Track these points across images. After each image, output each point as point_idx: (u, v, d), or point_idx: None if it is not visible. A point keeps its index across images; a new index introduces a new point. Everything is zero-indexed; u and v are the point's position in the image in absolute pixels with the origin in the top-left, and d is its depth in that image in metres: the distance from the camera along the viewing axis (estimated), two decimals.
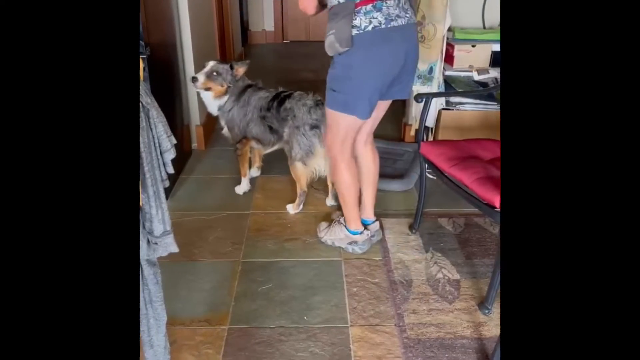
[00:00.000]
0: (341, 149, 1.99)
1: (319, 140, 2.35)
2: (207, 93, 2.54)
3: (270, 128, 2.48)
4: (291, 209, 2.53)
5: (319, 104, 2.38)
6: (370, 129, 2.13)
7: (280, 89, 2.54)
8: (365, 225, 2.25)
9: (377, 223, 2.30)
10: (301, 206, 2.54)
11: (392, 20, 1.75)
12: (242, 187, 2.70)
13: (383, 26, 1.73)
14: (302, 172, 2.45)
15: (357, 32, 1.74)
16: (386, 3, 1.75)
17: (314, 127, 2.35)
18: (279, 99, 2.45)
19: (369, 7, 1.73)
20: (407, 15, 1.81)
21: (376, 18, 1.73)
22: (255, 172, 2.86)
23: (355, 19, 1.74)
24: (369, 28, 1.73)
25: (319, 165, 2.45)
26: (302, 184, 2.49)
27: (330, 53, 1.81)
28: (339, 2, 1.75)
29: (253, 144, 2.62)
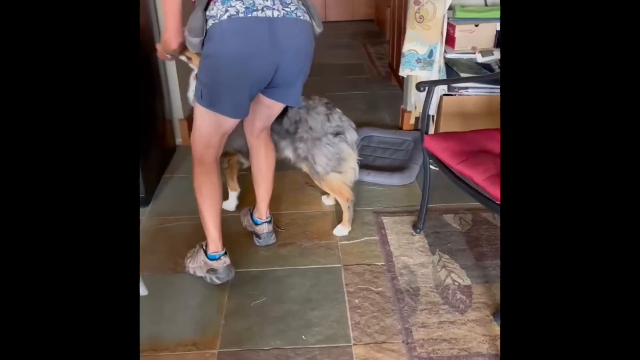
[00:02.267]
0: (203, 151, 1.77)
1: (347, 144, 2.11)
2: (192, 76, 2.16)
3: None
4: (342, 230, 2.20)
5: (332, 107, 2.12)
6: (261, 125, 1.95)
7: None
8: (255, 224, 2.11)
9: (267, 225, 2.11)
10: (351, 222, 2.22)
11: (255, 10, 1.55)
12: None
13: (241, 15, 1.54)
14: (340, 182, 2.15)
15: (213, 22, 1.56)
16: None
17: (338, 133, 2.09)
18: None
19: None
20: (287, 9, 1.60)
21: (234, 6, 1.55)
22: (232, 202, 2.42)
23: (212, 9, 1.57)
24: (224, 17, 1.54)
25: (353, 167, 2.16)
26: (346, 193, 2.17)
27: (187, 45, 1.65)
28: None
29: (240, 158, 2.30)
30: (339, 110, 2.15)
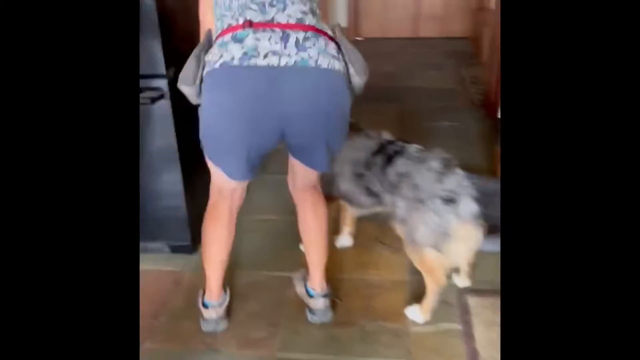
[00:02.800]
0: (217, 198, 1.62)
1: (457, 217, 1.63)
2: None
3: (367, 189, 1.82)
4: (417, 314, 1.76)
5: (450, 165, 1.67)
6: (302, 183, 1.67)
7: (385, 137, 1.85)
8: (310, 296, 1.76)
9: (324, 300, 1.74)
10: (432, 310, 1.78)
11: (254, 56, 1.29)
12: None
13: (235, 62, 1.30)
14: (436, 262, 1.68)
15: (208, 69, 1.36)
16: (256, 33, 1.31)
17: (449, 200, 1.62)
18: (386, 155, 1.76)
19: (228, 37, 1.34)
20: (303, 55, 1.31)
21: (229, 51, 1.31)
22: (346, 239, 2.15)
23: (210, 53, 1.38)
24: (217, 65, 1.33)
25: (457, 250, 1.69)
26: (438, 278, 1.71)
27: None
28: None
29: (341, 202, 1.99)
30: (460, 172, 1.68)
